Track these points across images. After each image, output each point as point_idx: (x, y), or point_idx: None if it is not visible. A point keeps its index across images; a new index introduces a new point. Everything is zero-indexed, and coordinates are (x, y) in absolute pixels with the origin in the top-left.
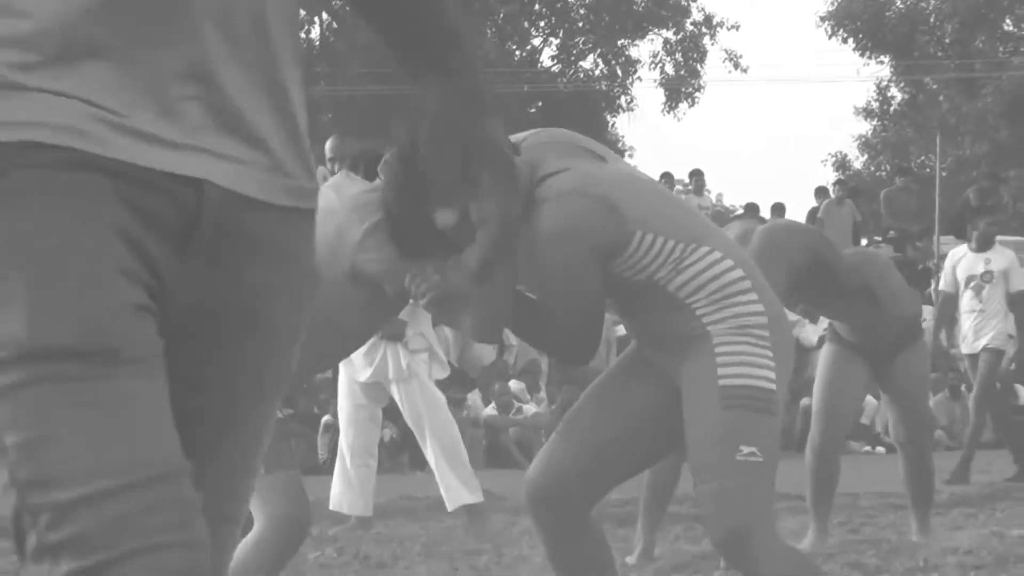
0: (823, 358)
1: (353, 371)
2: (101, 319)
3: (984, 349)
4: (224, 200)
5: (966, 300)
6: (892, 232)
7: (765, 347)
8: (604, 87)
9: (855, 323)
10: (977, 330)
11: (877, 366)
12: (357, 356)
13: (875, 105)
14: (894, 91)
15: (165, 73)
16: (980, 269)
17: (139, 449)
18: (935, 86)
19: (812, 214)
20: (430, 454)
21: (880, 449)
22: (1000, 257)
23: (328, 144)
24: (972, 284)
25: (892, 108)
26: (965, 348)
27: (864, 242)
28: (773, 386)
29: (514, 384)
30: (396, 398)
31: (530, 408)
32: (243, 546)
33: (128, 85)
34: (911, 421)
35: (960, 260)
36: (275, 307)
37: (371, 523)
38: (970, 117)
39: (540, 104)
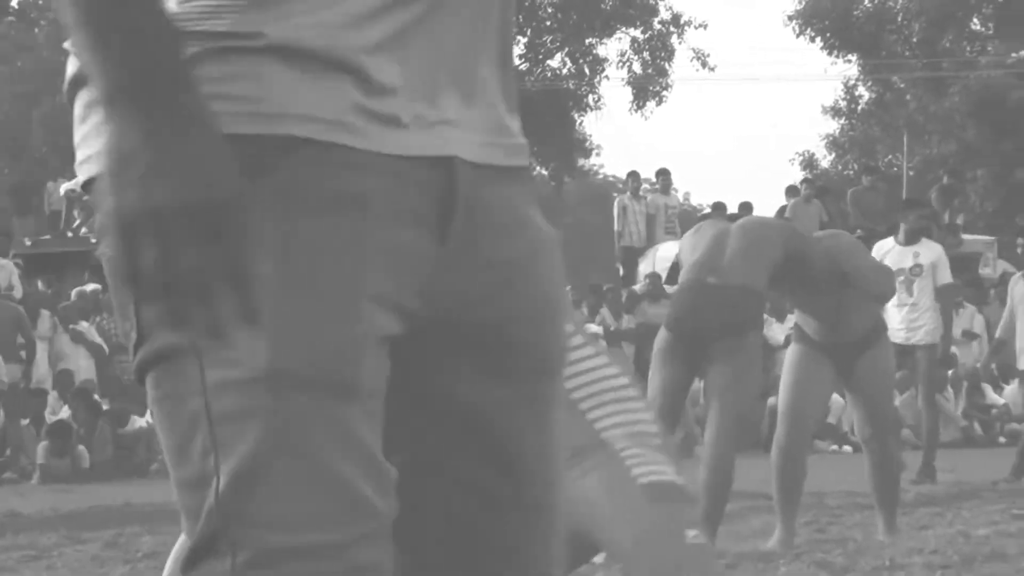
0: (789, 357)
1: None
2: (345, 350)
3: (920, 346)
4: (473, 175)
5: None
6: (859, 231)
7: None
8: (572, 86)
9: (825, 317)
10: (909, 324)
11: (842, 365)
12: None
13: (843, 104)
14: (862, 90)
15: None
16: (909, 263)
17: (358, 501)
18: (903, 85)
19: (780, 213)
20: None
21: (847, 448)
22: (928, 251)
23: None
24: (901, 278)
25: (860, 107)
26: (898, 339)
27: None
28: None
29: None
30: None
31: None
32: None
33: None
34: (876, 420)
35: (887, 254)
36: (539, 278)
37: None
38: (937, 116)
39: None
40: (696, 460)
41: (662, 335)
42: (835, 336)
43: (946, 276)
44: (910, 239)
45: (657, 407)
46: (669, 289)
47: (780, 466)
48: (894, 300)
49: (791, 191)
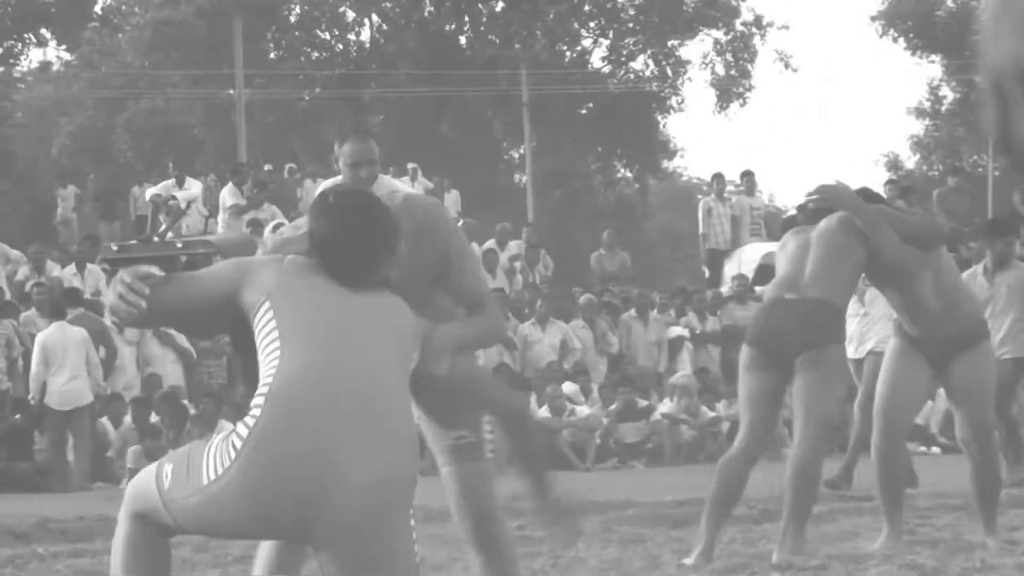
0: (888, 355)
1: None
2: None
3: (870, 353)
4: None
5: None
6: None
7: None
8: (655, 88)
9: (917, 314)
10: (862, 334)
11: (939, 365)
12: None
13: (927, 104)
14: (946, 90)
15: None
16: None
17: None
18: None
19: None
20: None
21: (935, 449)
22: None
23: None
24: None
25: (944, 107)
26: (850, 352)
27: None
28: None
29: (567, 386)
30: None
31: (583, 410)
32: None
33: None
34: (975, 422)
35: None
36: None
37: None
38: None
39: (591, 105)
40: (783, 462)
41: (745, 351)
42: (931, 330)
43: None
44: (998, 266)
45: (748, 419)
46: (758, 290)
47: (880, 467)
48: (848, 311)
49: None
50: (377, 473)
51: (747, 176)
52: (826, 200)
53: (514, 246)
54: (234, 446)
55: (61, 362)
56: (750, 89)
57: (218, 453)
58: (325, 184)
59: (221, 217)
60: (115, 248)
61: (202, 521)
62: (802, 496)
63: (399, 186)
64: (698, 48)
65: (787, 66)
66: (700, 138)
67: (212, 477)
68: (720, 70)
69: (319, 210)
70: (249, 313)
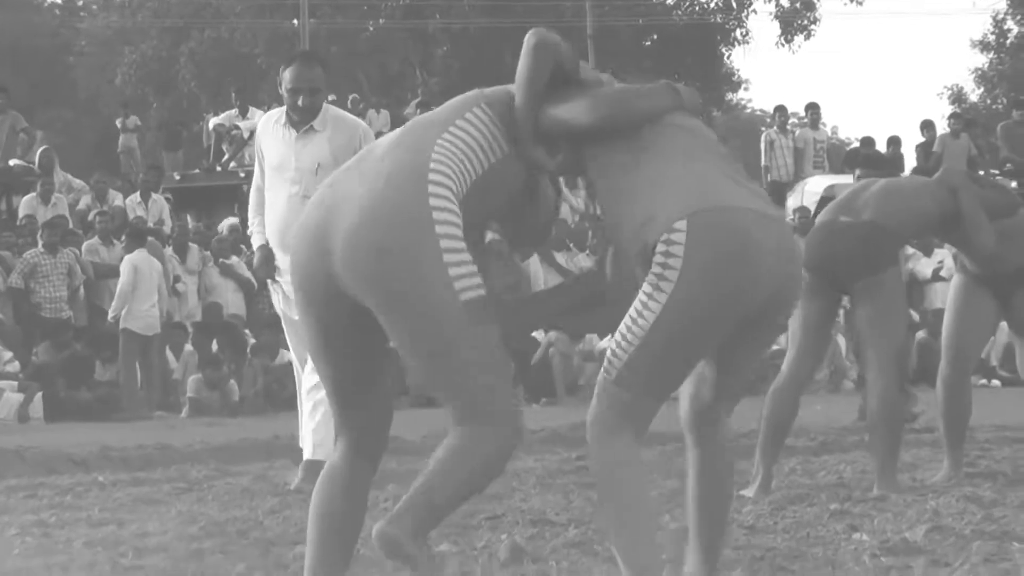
0: (952, 290)
1: (290, 310)
2: None
3: None
4: None
5: None
6: (1009, 165)
7: None
8: (719, 20)
9: (977, 253)
10: None
11: (1003, 298)
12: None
13: (991, 38)
14: (1011, 23)
15: None
16: None
17: None
18: None
19: (924, 148)
20: (309, 399)
21: (995, 382)
22: None
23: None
24: None
25: (1009, 41)
26: None
27: (981, 175)
28: None
29: None
30: None
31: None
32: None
33: None
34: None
35: None
36: None
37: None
38: None
39: (655, 37)
40: (844, 394)
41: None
42: (991, 268)
43: None
44: None
45: (800, 345)
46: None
47: (945, 399)
48: None
49: (927, 126)
50: (359, 213)
51: (811, 108)
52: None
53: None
54: None
55: (145, 288)
56: (814, 22)
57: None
58: (265, 115)
59: None
60: (178, 178)
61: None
62: (891, 428)
63: (346, 116)
64: None
65: (852, 0)
66: (764, 71)
67: None
68: (785, 2)
69: None
70: None
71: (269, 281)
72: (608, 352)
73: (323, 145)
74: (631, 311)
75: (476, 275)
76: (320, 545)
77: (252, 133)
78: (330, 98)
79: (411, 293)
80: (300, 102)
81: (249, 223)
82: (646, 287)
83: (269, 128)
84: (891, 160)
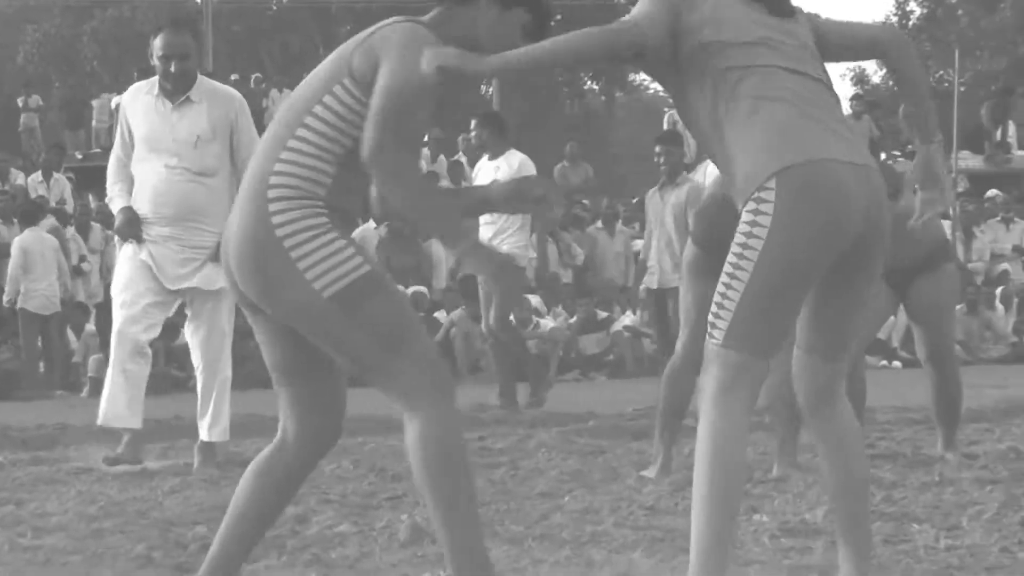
0: None
1: (159, 274)
2: None
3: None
4: None
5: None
6: (910, 146)
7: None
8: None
9: None
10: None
11: (899, 286)
12: (168, 262)
13: (894, 19)
14: (913, 5)
15: None
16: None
17: None
18: (954, 0)
19: None
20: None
21: (896, 364)
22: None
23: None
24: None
25: (911, 23)
26: (653, 283)
27: (883, 157)
28: None
29: (533, 299)
30: (192, 311)
31: (547, 322)
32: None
33: None
34: (934, 340)
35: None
36: None
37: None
38: (989, 31)
39: (560, 16)
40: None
41: (691, 250)
42: (892, 260)
43: None
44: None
45: (693, 325)
46: None
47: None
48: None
49: None
50: (230, 244)
51: None
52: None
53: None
54: None
55: (40, 267)
56: None
57: None
58: (133, 86)
59: None
60: (79, 157)
61: None
62: (790, 408)
63: (220, 87)
64: None
65: None
66: None
67: None
68: None
69: None
70: None
71: (133, 241)
72: (710, 316)
73: (201, 117)
74: (724, 273)
75: (345, 261)
76: (232, 536)
77: None
78: (232, 77)
79: (287, 306)
80: (172, 68)
81: (108, 189)
82: (735, 247)
83: (140, 99)
84: None
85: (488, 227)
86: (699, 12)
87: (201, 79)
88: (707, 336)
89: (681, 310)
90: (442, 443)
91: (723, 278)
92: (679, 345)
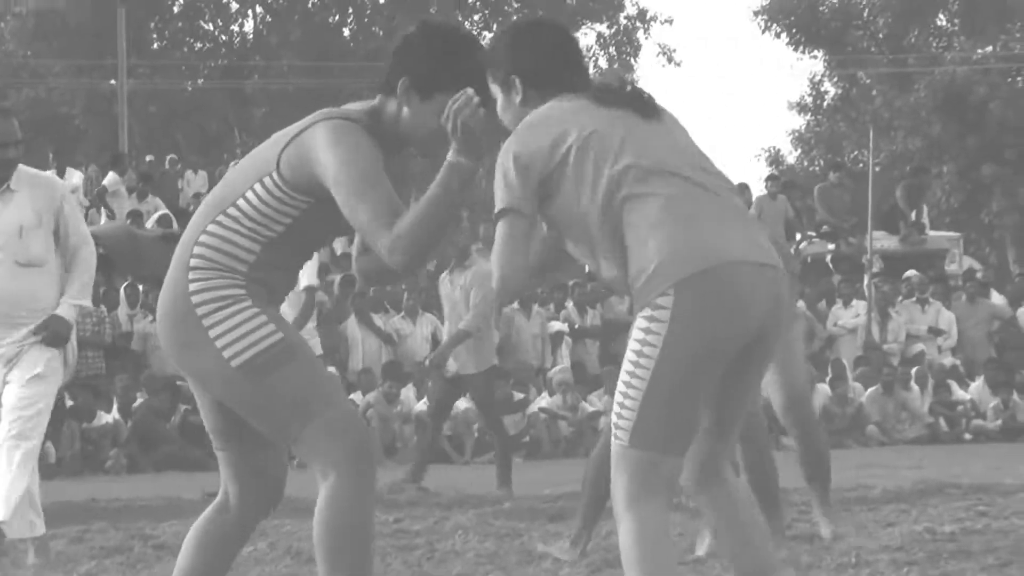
0: None
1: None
2: None
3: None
4: None
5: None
6: (825, 227)
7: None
8: None
9: None
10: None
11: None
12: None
13: (809, 100)
14: (828, 86)
15: None
16: None
17: None
18: (868, 80)
19: None
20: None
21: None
22: None
23: None
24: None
25: (826, 103)
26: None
27: (798, 237)
28: None
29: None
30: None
31: (462, 404)
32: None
33: None
34: (787, 402)
35: None
36: None
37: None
38: (903, 112)
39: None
40: None
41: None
42: None
43: None
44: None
45: None
46: None
47: (747, 468)
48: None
49: (741, 189)
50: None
51: None
52: None
53: None
54: None
55: None
56: (632, 83)
57: None
58: None
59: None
60: None
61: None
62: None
63: (40, 174)
64: (581, 42)
65: (670, 60)
66: None
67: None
68: (603, 64)
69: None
70: None
71: None
72: (613, 417)
73: (24, 205)
74: (624, 371)
75: (255, 330)
76: None
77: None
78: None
79: (200, 373)
80: (10, 154)
81: None
82: (633, 348)
83: None
84: None
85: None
86: (575, 132)
87: (20, 168)
88: (612, 437)
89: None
90: (347, 514)
91: (623, 376)
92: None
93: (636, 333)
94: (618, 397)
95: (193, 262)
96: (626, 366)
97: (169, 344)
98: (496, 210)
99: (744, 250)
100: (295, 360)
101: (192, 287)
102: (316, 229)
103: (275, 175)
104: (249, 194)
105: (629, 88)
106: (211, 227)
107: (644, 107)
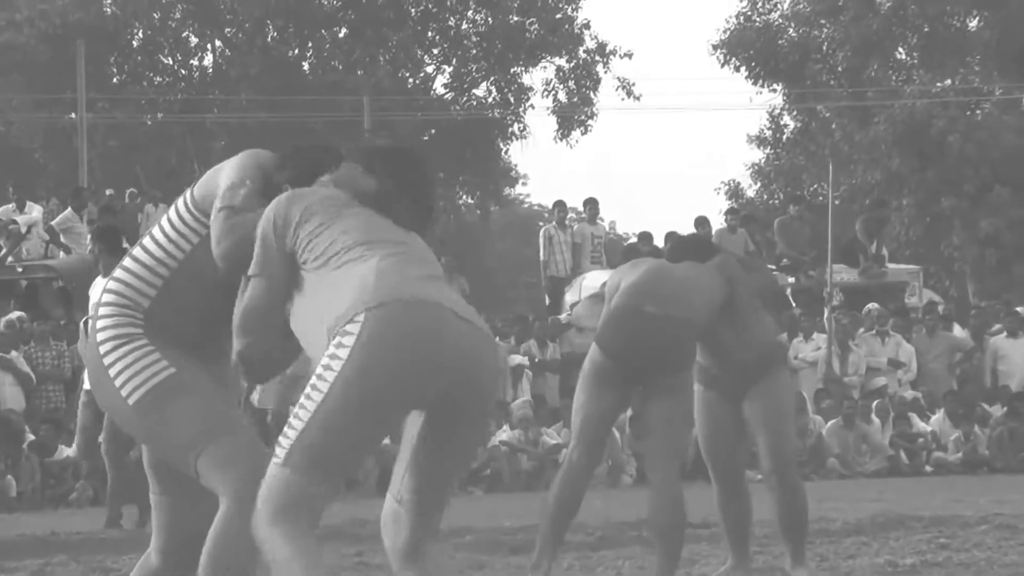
0: (696, 401)
1: None
2: None
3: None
4: None
5: None
6: (785, 260)
7: None
8: (497, 114)
9: (713, 347)
10: None
11: (735, 397)
12: None
13: (768, 133)
14: (787, 119)
15: None
16: None
17: None
18: (828, 114)
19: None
20: None
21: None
22: None
23: None
24: None
25: (785, 136)
26: None
27: None
28: None
29: None
30: None
31: None
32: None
33: None
34: (772, 452)
35: None
36: None
37: None
38: (862, 145)
39: (433, 131)
40: (622, 489)
41: (594, 358)
42: (728, 361)
43: None
44: None
45: (590, 435)
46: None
47: (720, 501)
48: None
49: (701, 222)
50: None
51: (589, 203)
52: None
53: None
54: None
55: None
56: (592, 117)
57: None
58: None
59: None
60: None
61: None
62: (672, 525)
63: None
64: (541, 76)
65: (630, 94)
66: (543, 165)
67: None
68: (563, 97)
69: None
70: None
71: None
72: (281, 436)
73: None
74: (303, 394)
75: (148, 367)
76: None
77: (30, 228)
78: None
79: (107, 409)
80: None
81: None
82: (317, 372)
83: None
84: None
85: None
86: (297, 206)
87: None
88: (274, 453)
89: (574, 420)
90: (236, 540)
91: (301, 399)
92: (573, 453)
93: (323, 359)
94: (291, 418)
95: (104, 298)
96: (308, 387)
97: (90, 383)
98: None
99: (442, 298)
100: (187, 394)
101: (99, 324)
102: (211, 268)
103: (187, 195)
104: (158, 226)
105: None
106: (127, 261)
107: None
